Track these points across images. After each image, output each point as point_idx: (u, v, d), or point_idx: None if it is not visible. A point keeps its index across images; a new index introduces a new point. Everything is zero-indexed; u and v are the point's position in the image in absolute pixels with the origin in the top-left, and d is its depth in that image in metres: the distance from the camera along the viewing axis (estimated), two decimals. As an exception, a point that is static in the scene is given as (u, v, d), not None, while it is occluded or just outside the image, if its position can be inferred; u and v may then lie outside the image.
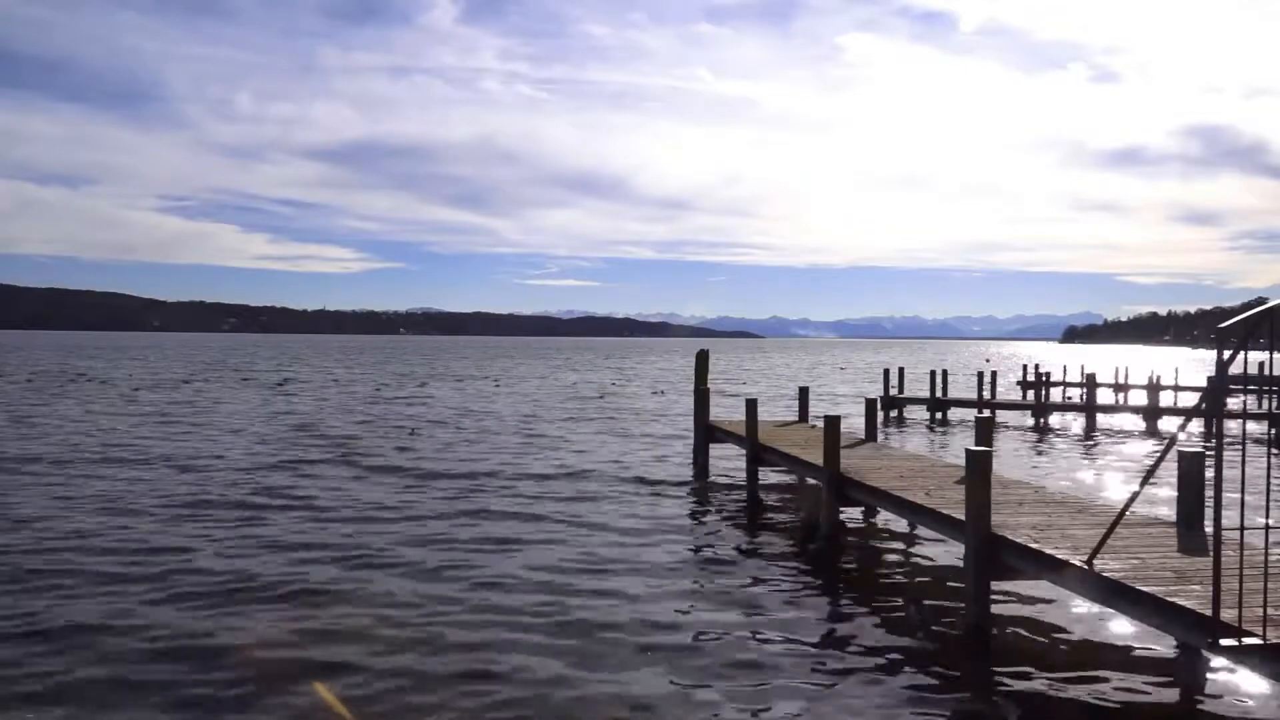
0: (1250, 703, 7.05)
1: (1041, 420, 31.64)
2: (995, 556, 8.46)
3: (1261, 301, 5.53)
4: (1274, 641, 5.31)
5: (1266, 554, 5.63)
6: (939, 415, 33.10)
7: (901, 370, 37.60)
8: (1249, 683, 7.15)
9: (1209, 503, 6.97)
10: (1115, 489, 17.18)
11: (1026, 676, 7.66)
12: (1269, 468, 6.30)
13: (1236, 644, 5.35)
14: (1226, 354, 5.52)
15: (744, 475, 16.87)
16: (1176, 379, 40.06)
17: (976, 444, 10.79)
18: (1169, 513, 9.92)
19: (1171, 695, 7.37)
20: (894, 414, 33.58)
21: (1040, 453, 23.88)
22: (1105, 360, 74.09)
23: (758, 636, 8.64)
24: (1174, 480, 9.13)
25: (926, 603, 9.79)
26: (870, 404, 17.94)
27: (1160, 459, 6.52)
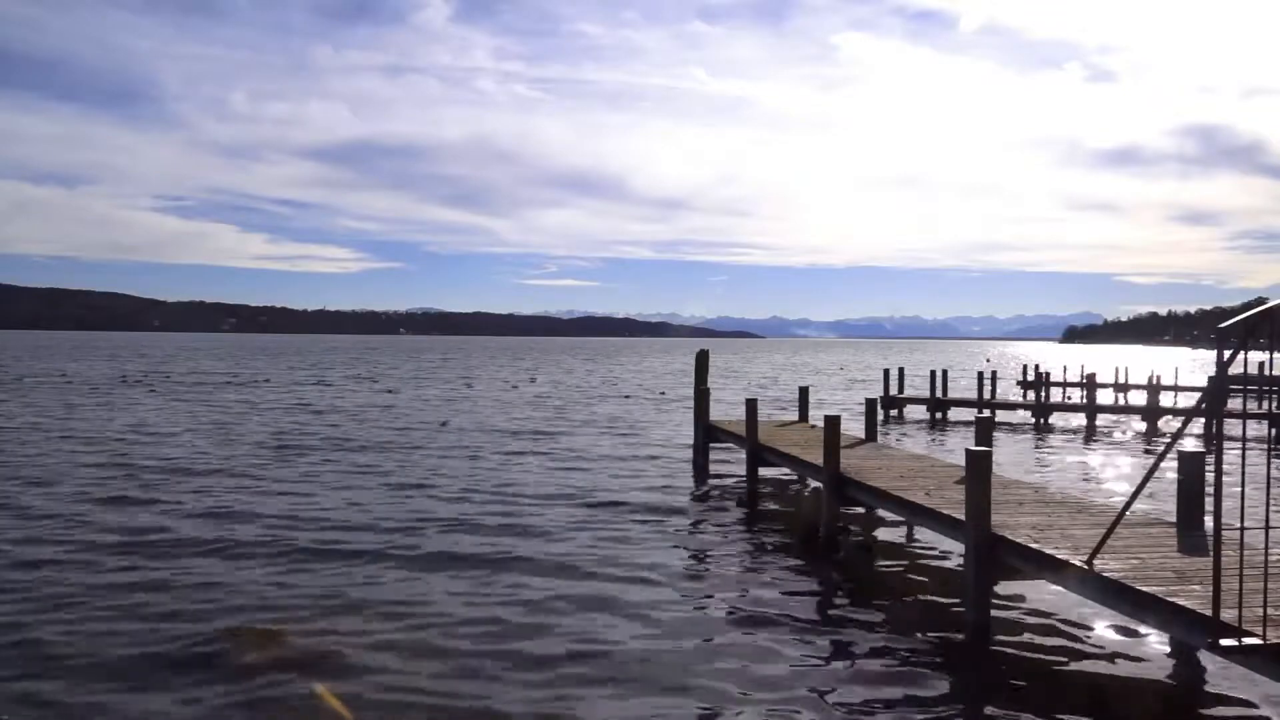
0: (1250, 703, 7.05)
1: (1041, 420, 31.64)
2: (995, 556, 8.47)
3: (1261, 301, 5.53)
4: (1274, 641, 5.31)
5: (1266, 554, 5.63)
6: (939, 415, 33.10)
7: (901, 370, 37.60)
8: (1249, 682, 7.14)
9: (1209, 503, 6.96)
10: (1115, 489, 17.17)
11: (1026, 676, 7.67)
12: (1269, 468, 6.30)
13: (1236, 644, 5.35)
14: (1226, 354, 5.53)
15: (744, 475, 16.89)
16: (1176, 379, 40.13)
17: (976, 444, 10.79)
18: (1169, 513, 9.92)
19: (1171, 695, 7.38)
20: (894, 414, 33.59)
21: (1040, 453, 23.88)
22: (1105, 360, 74.10)
23: (756, 637, 8.63)
24: (1174, 480, 9.14)
25: (926, 603, 9.79)
26: (870, 404, 17.93)
27: (1160, 459, 6.52)
